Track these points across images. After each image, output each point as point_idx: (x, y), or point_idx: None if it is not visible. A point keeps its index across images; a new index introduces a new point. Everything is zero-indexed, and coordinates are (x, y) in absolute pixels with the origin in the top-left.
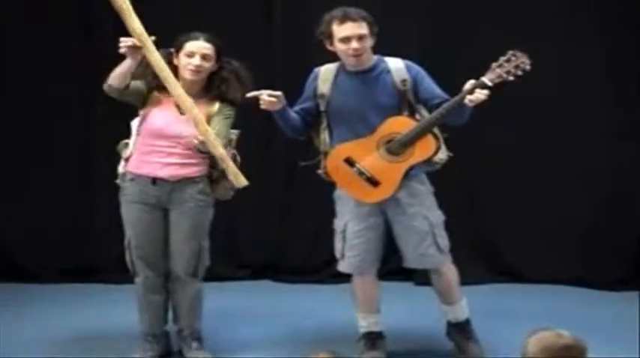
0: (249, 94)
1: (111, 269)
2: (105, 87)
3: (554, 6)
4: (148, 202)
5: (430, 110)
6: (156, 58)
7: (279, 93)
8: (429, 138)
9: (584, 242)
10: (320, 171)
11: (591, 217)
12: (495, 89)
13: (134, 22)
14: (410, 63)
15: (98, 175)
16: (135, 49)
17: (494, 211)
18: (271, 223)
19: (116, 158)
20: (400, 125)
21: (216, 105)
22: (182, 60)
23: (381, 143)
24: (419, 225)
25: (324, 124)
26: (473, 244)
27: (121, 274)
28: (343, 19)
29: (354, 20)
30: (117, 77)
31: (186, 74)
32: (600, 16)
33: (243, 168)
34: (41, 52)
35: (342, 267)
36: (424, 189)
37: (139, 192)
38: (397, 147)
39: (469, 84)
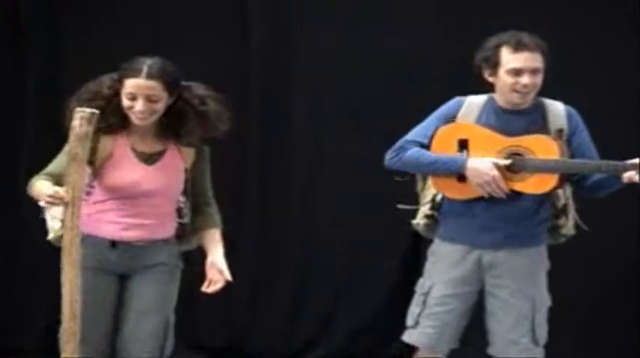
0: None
1: (36, 348)
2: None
3: None
4: (105, 267)
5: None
6: (72, 224)
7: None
8: (553, 178)
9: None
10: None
11: None
12: None
13: (80, 176)
14: (572, 110)
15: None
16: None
17: None
18: (238, 298)
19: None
20: (542, 147)
21: (192, 150)
22: (123, 99)
23: (508, 151)
24: (519, 304)
25: None
26: None
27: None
28: (518, 47)
29: (530, 50)
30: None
31: (132, 118)
32: None
33: None
34: None
35: (411, 337)
36: (540, 263)
37: (93, 255)
38: (518, 166)
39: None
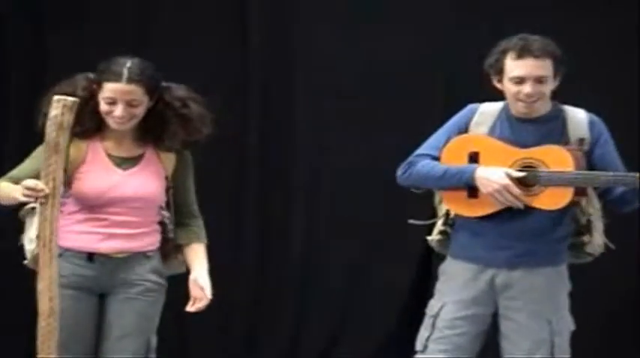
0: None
1: None
2: None
3: None
4: (83, 286)
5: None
6: (52, 216)
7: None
8: (568, 192)
9: None
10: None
11: None
12: None
13: (59, 167)
14: (595, 118)
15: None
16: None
17: None
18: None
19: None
20: (555, 158)
21: (172, 156)
22: (101, 103)
23: (521, 164)
24: (537, 328)
25: None
26: None
27: None
28: (522, 54)
29: (535, 57)
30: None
31: (111, 123)
32: None
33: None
34: None
35: None
36: (560, 283)
37: (71, 273)
38: (531, 178)
39: None
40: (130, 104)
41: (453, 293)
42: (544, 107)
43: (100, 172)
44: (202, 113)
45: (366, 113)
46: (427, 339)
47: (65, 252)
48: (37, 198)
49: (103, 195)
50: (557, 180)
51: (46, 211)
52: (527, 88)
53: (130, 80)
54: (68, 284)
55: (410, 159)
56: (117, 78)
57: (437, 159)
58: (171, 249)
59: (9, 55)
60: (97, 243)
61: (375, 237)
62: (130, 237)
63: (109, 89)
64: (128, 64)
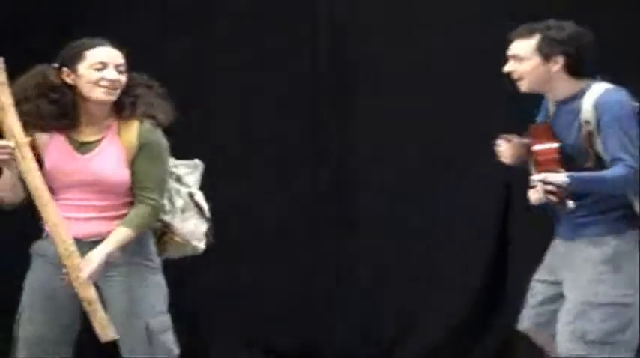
0: None
1: None
2: None
3: None
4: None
5: None
6: (29, 166)
7: None
8: None
9: None
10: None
11: None
12: None
13: (14, 122)
14: (602, 98)
15: None
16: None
17: None
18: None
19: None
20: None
21: (134, 138)
22: (86, 75)
23: None
24: (570, 298)
25: None
26: None
27: None
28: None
29: (512, 38)
30: (4, 192)
31: (99, 93)
32: None
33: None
34: None
35: None
36: (599, 254)
37: (52, 258)
38: None
39: None
40: (118, 69)
41: None
42: (556, 88)
43: (58, 157)
44: (164, 93)
45: (438, 124)
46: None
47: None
48: (9, 154)
49: (62, 180)
50: None
51: (22, 164)
52: (506, 66)
53: (113, 46)
54: (51, 266)
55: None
56: (102, 43)
57: None
58: (162, 231)
59: None
60: (72, 228)
61: (445, 229)
62: (98, 221)
63: (98, 54)
64: (101, 38)
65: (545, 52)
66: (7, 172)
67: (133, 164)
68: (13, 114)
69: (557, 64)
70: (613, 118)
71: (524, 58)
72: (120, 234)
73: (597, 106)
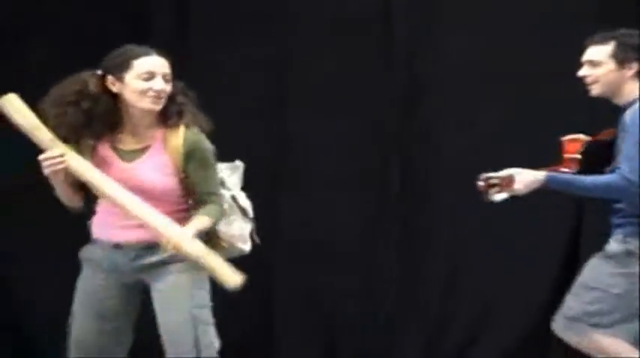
0: None
1: None
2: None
3: None
4: (116, 270)
5: None
6: (82, 165)
7: None
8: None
9: None
10: None
11: None
12: None
13: (43, 132)
14: (631, 109)
15: None
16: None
17: None
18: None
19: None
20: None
21: (180, 146)
22: (132, 84)
23: None
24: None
25: None
26: None
27: None
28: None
29: (589, 44)
30: (64, 200)
31: (145, 103)
32: None
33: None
34: None
35: None
36: (613, 248)
37: (103, 257)
38: None
39: None
40: (165, 79)
41: None
42: (619, 94)
43: (105, 167)
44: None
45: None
46: None
47: (97, 241)
48: (60, 163)
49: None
50: None
51: (74, 164)
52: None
53: (159, 54)
54: (103, 267)
55: None
56: (148, 52)
57: None
58: (212, 236)
59: None
60: (121, 233)
61: (515, 233)
62: (144, 227)
63: (145, 63)
64: (147, 47)
65: (621, 58)
66: (56, 183)
67: (184, 172)
68: (41, 127)
69: (632, 70)
70: (631, 130)
71: (600, 63)
72: (201, 221)
73: (624, 117)
